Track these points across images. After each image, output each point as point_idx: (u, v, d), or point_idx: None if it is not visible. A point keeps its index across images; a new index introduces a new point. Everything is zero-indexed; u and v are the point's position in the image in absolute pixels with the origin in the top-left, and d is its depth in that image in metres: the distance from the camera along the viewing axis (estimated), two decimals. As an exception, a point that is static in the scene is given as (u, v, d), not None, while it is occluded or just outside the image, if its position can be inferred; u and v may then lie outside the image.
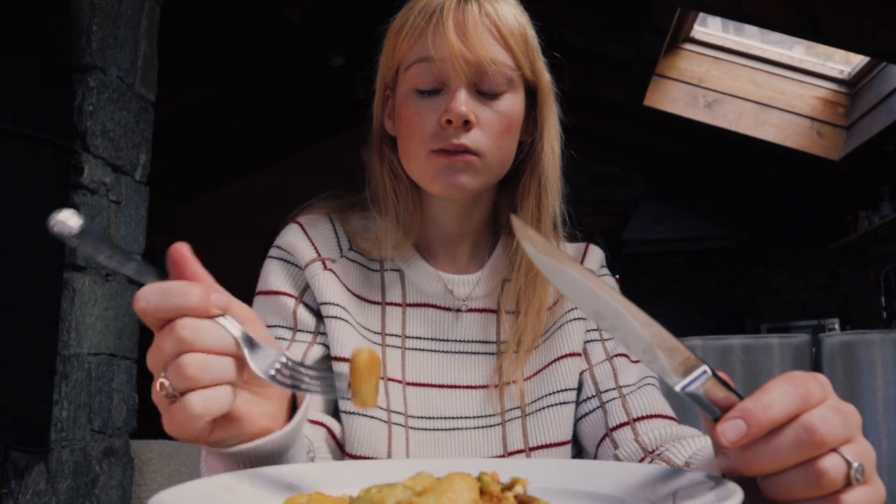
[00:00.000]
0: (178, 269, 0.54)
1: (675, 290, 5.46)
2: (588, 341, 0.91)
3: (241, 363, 0.52)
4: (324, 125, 5.40)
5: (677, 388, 0.47)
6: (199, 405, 0.50)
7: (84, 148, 2.12)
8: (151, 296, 0.50)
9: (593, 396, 0.87)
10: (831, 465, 0.45)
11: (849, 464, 0.45)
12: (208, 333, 0.50)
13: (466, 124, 0.81)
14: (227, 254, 5.48)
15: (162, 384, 0.50)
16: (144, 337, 2.49)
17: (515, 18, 0.84)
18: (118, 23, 2.28)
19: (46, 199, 2.00)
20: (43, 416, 1.96)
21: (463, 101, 0.80)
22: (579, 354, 0.89)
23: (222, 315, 0.52)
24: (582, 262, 0.96)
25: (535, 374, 0.89)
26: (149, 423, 2.91)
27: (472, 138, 0.81)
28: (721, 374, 0.48)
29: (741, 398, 0.46)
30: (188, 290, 0.51)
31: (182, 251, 0.54)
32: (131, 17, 2.35)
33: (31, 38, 1.98)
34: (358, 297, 0.88)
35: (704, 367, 0.48)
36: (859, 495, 0.45)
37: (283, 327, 0.86)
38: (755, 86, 3.87)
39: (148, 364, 0.53)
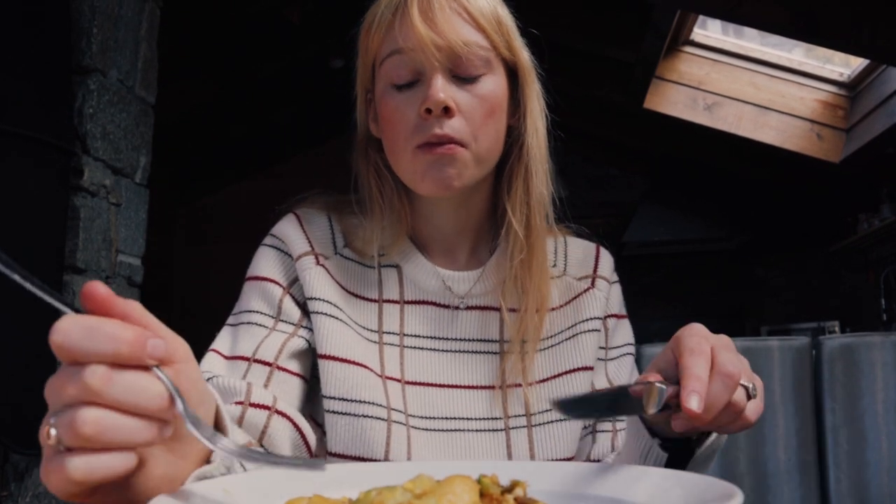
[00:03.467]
0: (101, 310, 0.44)
1: (675, 291, 5.46)
2: (597, 359, 0.90)
3: (161, 424, 0.44)
4: (324, 127, 5.41)
5: (652, 412, 0.56)
6: (80, 470, 0.41)
7: (84, 150, 2.12)
8: (74, 331, 0.41)
9: (589, 423, 0.87)
10: (739, 396, 0.59)
11: (745, 387, 0.60)
12: (126, 387, 0.42)
13: (447, 112, 0.78)
14: (226, 256, 5.48)
15: (48, 432, 0.42)
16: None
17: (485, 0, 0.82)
18: (118, 25, 2.28)
19: (47, 202, 2.00)
20: (43, 418, 1.96)
21: (440, 88, 0.78)
22: (592, 368, 0.87)
23: (156, 366, 0.44)
24: (595, 268, 0.94)
25: (545, 381, 0.86)
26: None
27: (454, 126, 0.78)
28: (650, 378, 0.58)
29: (669, 383, 0.58)
30: (119, 333, 0.42)
31: (99, 290, 0.44)
32: (131, 19, 2.35)
33: (32, 41, 1.98)
34: (353, 294, 0.86)
35: (656, 386, 0.56)
36: (755, 405, 0.61)
37: (265, 314, 0.83)
38: (755, 88, 3.88)
39: (46, 394, 0.44)
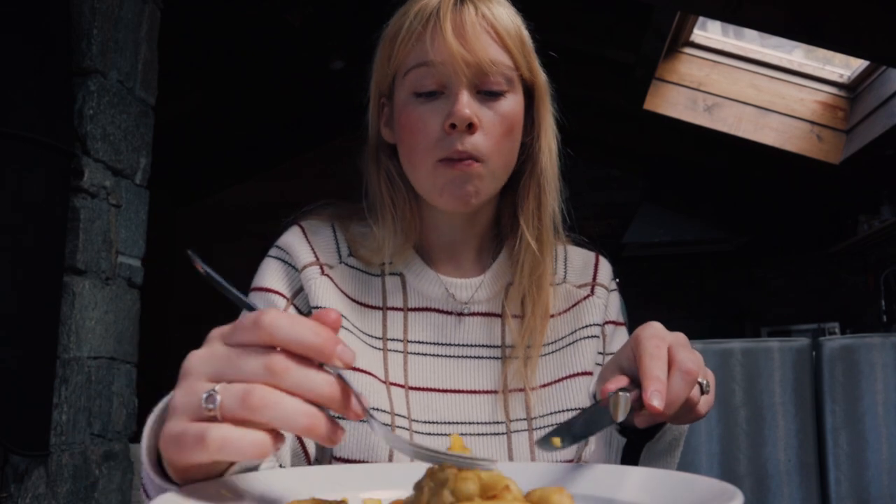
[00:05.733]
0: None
1: (675, 293, 5.46)
2: (595, 364, 0.91)
3: (329, 423, 0.46)
4: (324, 129, 5.41)
5: (621, 419, 0.59)
6: (217, 441, 0.43)
7: (84, 151, 2.12)
8: (283, 320, 0.45)
9: None
10: (694, 392, 0.63)
11: (700, 383, 0.64)
12: (303, 375, 0.45)
13: (470, 127, 0.80)
14: (227, 257, 5.48)
15: (212, 396, 0.44)
16: (144, 341, 2.49)
17: (511, 19, 0.84)
18: (118, 27, 2.28)
19: (46, 203, 2.00)
20: (43, 419, 1.96)
21: (466, 104, 0.79)
22: (591, 374, 0.89)
23: (342, 368, 0.47)
24: (594, 276, 0.96)
25: (546, 385, 0.87)
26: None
27: (474, 143, 0.80)
28: (612, 387, 0.60)
29: (630, 388, 0.60)
30: (319, 329, 0.46)
31: (335, 320, 0.48)
32: (132, 20, 2.36)
33: (32, 42, 1.98)
34: (358, 302, 0.87)
35: (621, 396, 0.59)
36: (707, 399, 0.65)
37: None
38: (755, 90, 3.88)
39: (190, 367, 0.47)
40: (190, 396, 0.45)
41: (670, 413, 0.60)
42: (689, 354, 0.62)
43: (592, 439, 0.87)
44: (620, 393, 0.58)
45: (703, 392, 0.64)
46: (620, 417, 0.58)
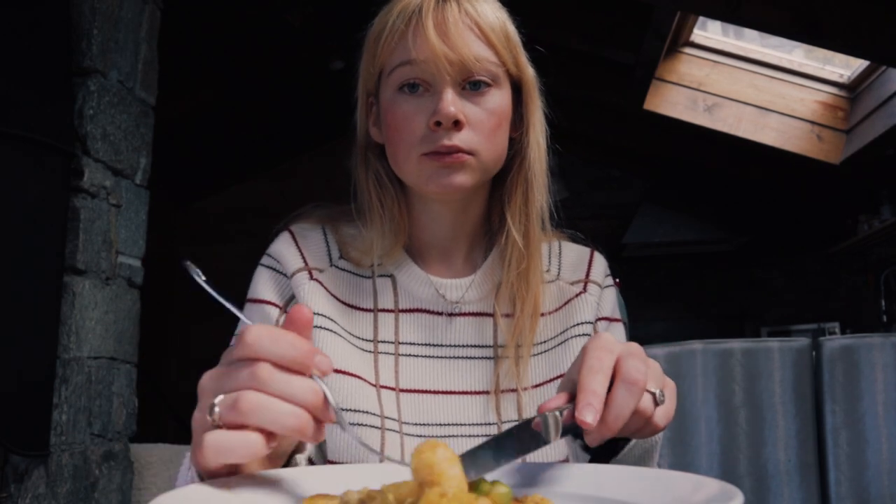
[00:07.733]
0: (294, 328, 0.53)
1: (674, 293, 5.46)
2: None
3: (313, 422, 0.50)
4: (324, 129, 5.41)
5: (555, 439, 0.56)
6: (212, 446, 0.48)
7: (84, 151, 2.12)
8: (264, 336, 0.50)
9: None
10: (646, 403, 0.59)
11: (653, 393, 0.60)
12: (287, 381, 0.50)
13: (456, 125, 0.80)
14: (226, 257, 5.48)
15: (213, 407, 0.49)
16: (144, 341, 2.49)
17: (495, 14, 0.83)
18: (119, 26, 2.28)
19: (46, 203, 2.00)
20: (43, 419, 1.96)
21: (451, 102, 0.79)
22: None
23: (320, 377, 0.52)
24: (588, 271, 0.95)
25: (538, 386, 0.87)
26: (148, 427, 2.90)
27: (463, 138, 0.80)
28: (550, 405, 0.57)
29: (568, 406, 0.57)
30: (297, 343, 0.51)
31: (306, 317, 0.53)
32: (132, 20, 2.36)
33: (32, 42, 1.98)
34: (348, 305, 0.87)
35: (549, 416, 0.55)
36: (664, 410, 0.61)
37: None
38: (755, 90, 3.87)
39: (202, 385, 0.52)
40: (201, 412, 0.51)
41: (617, 427, 0.57)
42: (637, 364, 0.59)
43: (562, 451, 0.85)
44: (549, 413, 0.55)
45: (657, 403, 0.60)
46: (552, 438, 0.55)
